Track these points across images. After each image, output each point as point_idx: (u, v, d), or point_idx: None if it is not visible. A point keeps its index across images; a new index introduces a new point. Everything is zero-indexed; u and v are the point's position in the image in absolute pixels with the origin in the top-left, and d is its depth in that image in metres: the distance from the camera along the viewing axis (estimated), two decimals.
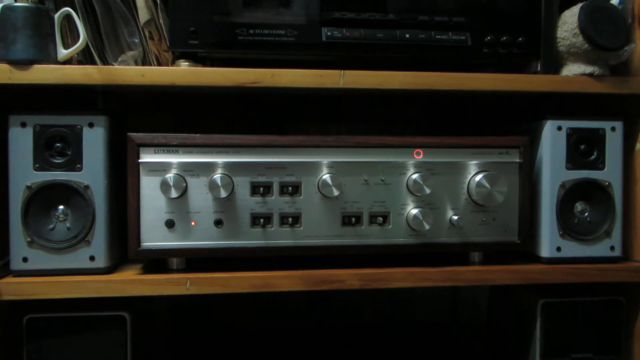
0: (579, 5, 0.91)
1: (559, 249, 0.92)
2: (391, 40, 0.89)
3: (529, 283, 0.91)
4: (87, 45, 0.89)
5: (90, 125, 0.84)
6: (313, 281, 0.86)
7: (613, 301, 0.97)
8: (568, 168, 0.92)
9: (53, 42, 0.84)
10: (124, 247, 0.85)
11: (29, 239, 0.83)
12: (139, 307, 0.93)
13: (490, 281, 0.90)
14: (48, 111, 0.83)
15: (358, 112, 1.24)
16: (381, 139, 0.88)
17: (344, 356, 1.10)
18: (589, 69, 0.92)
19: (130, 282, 0.83)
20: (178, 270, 0.87)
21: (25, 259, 0.83)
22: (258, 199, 0.86)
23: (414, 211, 0.87)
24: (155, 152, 0.84)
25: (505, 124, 1.06)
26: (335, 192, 0.85)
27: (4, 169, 0.83)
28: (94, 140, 0.84)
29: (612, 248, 0.94)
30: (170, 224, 0.84)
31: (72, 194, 0.84)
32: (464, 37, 0.91)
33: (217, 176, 0.83)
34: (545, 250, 0.92)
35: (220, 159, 0.85)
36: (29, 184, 0.82)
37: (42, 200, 0.83)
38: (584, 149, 0.93)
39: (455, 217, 0.89)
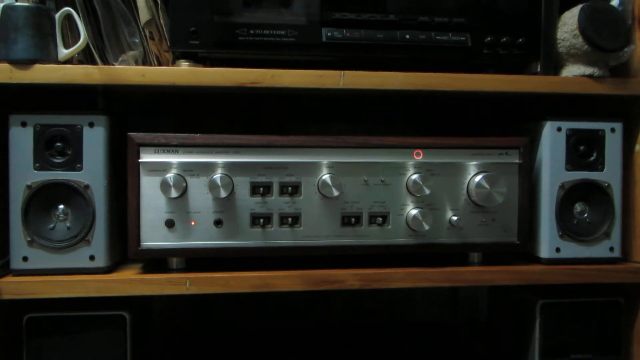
0: (579, 6, 0.91)
1: (558, 249, 0.92)
2: (391, 40, 0.89)
3: (529, 284, 0.91)
4: (87, 45, 0.89)
5: (91, 125, 0.84)
6: (313, 281, 0.86)
7: (612, 302, 0.97)
8: (567, 169, 0.93)
9: (54, 41, 0.84)
10: (124, 247, 0.85)
11: (29, 239, 0.83)
12: (139, 306, 0.93)
13: (489, 282, 0.90)
14: (48, 111, 0.84)
15: (358, 112, 1.25)
16: (381, 140, 0.88)
17: (343, 356, 1.10)
18: (588, 70, 0.92)
19: (130, 281, 0.83)
20: (178, 270, 0.87)
21: (25, 259, 0.83)
22: (258, 199, 0.86)
23: (414, 212, 0.87)
24: (155, 152, 0.84)
25: (505, 124, 1.07)
26: (335, 193, 0.85)
27: (4, 168, 0.83)
28: (94, 140, 0.84)
29: (612, 249, 0.94)
30: (170, 224, 0.84)
31: (72, 194, 0.84)
32: (464, 38, 0.91)
33: (217, 176, 0.83)
34: (545, 251, 0.93)
35: (220, 159, 0.85)
36: (29, 184, 0.83)
37: (42, 199, 0.83)
38: (583, 150, 0.93)
39: (455, 218, 0.89)
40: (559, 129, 0.92)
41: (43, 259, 0.83)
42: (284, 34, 0.87)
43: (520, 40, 0.92)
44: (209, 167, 0.85)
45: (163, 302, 1.21)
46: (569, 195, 0.93)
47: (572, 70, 0.93)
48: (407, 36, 0.89)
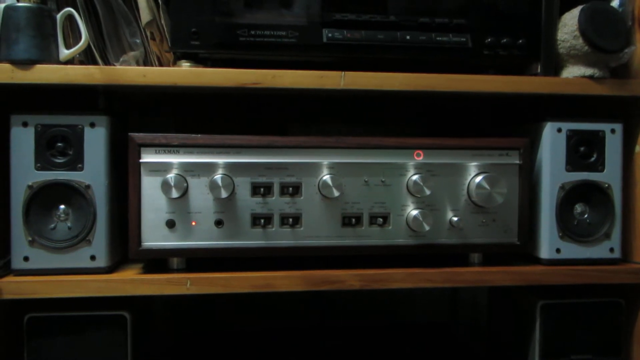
0: (579, 7, 0.91)
1: (558, 250, 0.93)
2: (392, 41, 0.89)
3: (529, 284, 0.91)
4: (88, 45, 0.89)
5: (92, 125, 0.84)
6: (313, 281, 0.86)
7: (612, 303, 0.97)
8: (568, 170, 0.93)
9: (55, 42, 0.84)
10: (125, 247, 0.85)
11: (30, 238, 0.83)
12: (140, 306, 0.93)
13: (490, 282, 0.90)
14: (50, 111, 0.84)
15: (358, 113, 1.25)
16: (381, 140, 0.88)
17: (343, 357, 1.10)
18: (589, 71, 0.92)
19: (131, 281, 0.83)
20: (178, 270, 0.87)
21: (26, 258, 0.83)
22: (259, 199, 0.86)
23: (414, 212, 0.87)
24: (156, 152, 0.84)
25: (505, 125, 1.07)
26: (336, 193, 0.85)
27: (6, 168, 0.84)
28: (95, 140, 0.84)
29: (612, 250, 0.94)
30: (170, 224, 0.84)
31: (73, 194, 0.84)
32: (464, 39, 0.91)
33: (218, 176, 0.83)
34: (545, 251, 0.93)
35: (221, 160, 0.85)
36: (30, 184, 0.83)
37: (44, 199, 0.83)
38: (583, 151, 0.93)
39: (455, 219, 0.89)
40: (559, 130, 0.93)
41: (44, 258, 0.83)
42: (284, 34, 0.87)
43: (520, 41, 0.92)
44: (210, 168, 0.85)
45: (164, 302, 1.21)
46: (569, 196, 0.93)
47: (573, 71, 0.93)
48: (408, 37, 0.90)
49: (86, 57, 0.93)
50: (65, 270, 0.83)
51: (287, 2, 0.88)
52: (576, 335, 0.96)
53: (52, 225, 0.84)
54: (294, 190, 0.86)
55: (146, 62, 0.94)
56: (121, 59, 0.91)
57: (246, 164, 0.86)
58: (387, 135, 0.89)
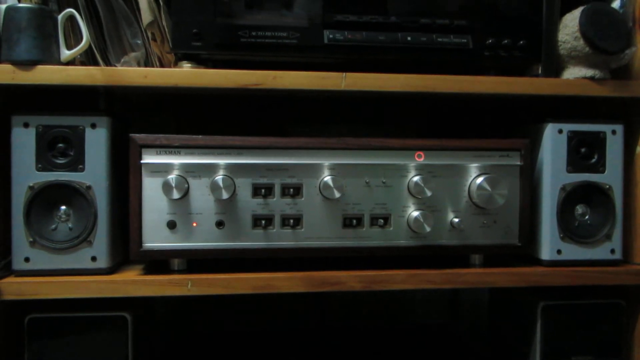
0: (580, 8, 0.91)
1: (559, 251, 0.93)
2: (393, 42, 0.89)
3: (530, 285, 0.91)
4: (90, 46, 0.89)
5: (93, 126, 0.84)
6: (314, 283, 0.86)
7: (613, 304, 0.97)
8: (569, 171, 0.93)
9: (56, 43, 0.85)
10: (126, 248, 0.85)
11: (31, 239, 0.83)
12: (140, 307, 0.93)
13: (491, 284, 0.90)
14: (51, 112, 0.84)
15: (359, 114, 1.25)
16: (382, 141, 0.88)
17: (344, 357, 1.10)
18: (589, 72, 0.92)
19: (132, 282, 0.83)
20: (179, 271, 0.87)
21: (27, 259, 0.83)
22: (259, 200, 0.86)
23: (415, 213, 0.87)
24: (157, 153, 0.84)
25: (507, 126, 1.07)
26: (337, 194, 0.85)
27: (7, 169, 0.84)
28: (96, 141, 0.84)
29: (613, 251, 0.94)
30: (171, 225, 0.84)
31: (74, 195, 0.84)
32: (465, 40, 0.91)
33: (219, 177, 0.83)
34: (546, 252, 0.93)
35: (222, 161, 0.85)
36: (31, 184, 0.83)
37: (45, 200, 0.83)
38: (584, 152, 0.93)
39: (456, 220, 0.89)
40: (560, 131, 0.93)
41: (45, 259, 0.83)
42: (286, 35, 0.87)
43: (521, 42, 0.92)
44: (211, 169, 0.85)
45: (164, 303, 1.21)
46: (570, 197, 0.93)
47: (573, 73, 0.93)
48: (409, 38, 0.90)
49: (87, 58, 0.93)
50: (66, 271, 0.83)
51: (289, 3, 0.88)
52: (577, 337, 0.96)
53: (53, 226, 0.84)
54: (295, 191, 0.86)
55: (147, 63, 0.94)
56: (122, 60, 0.91)
57: (247, 165, 0.86)
58: (387, 136, 0.89)
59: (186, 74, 0.85)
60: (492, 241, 0.91)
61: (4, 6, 0.83)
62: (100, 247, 0.84)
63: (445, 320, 1.33)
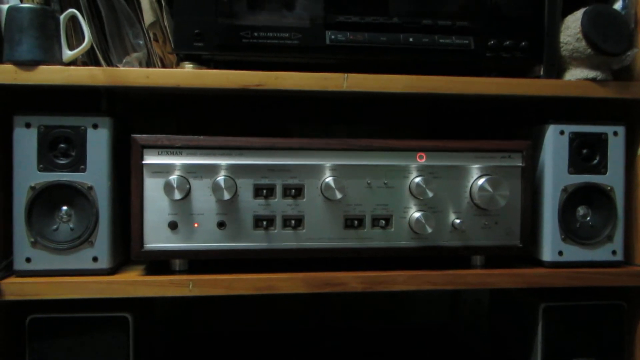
0: (582, 10, 0.91)
1: (560, 253, 0.92)
2: (395, 43, 0.89)
3: (531, 287, 0.91)
4: (91, 46, 0.89)
5: (95, 126, 0.84)
6: (315, 284, 0.86)
7: (615, 305, 0.97)
8: (570, 172, 0.93)
9: (58, 43, 0.84)
10: (127, 248, 0.85)
11: (33, 240, 0.83)
12: (142, 308, 0.93)
13: (492, 285, 0.90)
14: (52, 112, 0.84)
15: (361, 115, 1.25)
16: (384, 142, 0.88)
17: (344, 358, 1.10)
18: (591, 73, 0.92)
19: (133, 283, 0.83)
20: (181, 272, 0.87)
21: (28, 260, 0.83)
22: (261, 201, 0.86)
23: (417, 214, 0.87)
24: (159, 154, 0.84)
25: (508, 127, 1.07)
26: (338, 195, 0.85)
27: (8, 169, 0.84)
28: (98, 141, 0.84)
29: (614, 252, 0.94)
30: (173, 226, 0.84)
31: (76, 195, 0.84)
32: (467, 41, 0.91)
33: (221, 178, 0.83)
34: (547, 254, 0.93)
35: (223, 161, 0.85)
36: (32, 185, 0.83)
37: (46, 200, 0.83)
38: (586, 154, 0.93)
39: (458, 221, 0.89)
40: (562, 132, 0.93)
41: (46, 260, 0.83)
42: (287, 36, 0.87)
43: (523, 43, 0.92)
44: (213, 169, 0.85)
45: (165, 303, 1.21)
46: (571, 199, 0.93)
47: (575, 74, 0.93)
48: (411, 39, 0.90)
49: (89, 58, 0.93)
50: (67, 272, 0.83)
51: (290, 4, 0.88)
52: (578, 338, 0.96)
53: (55, 227, 0.84)
54: (296, 192, 0.86)
55: (149, 64, 0.94)
56: (124, 60, 0.91)
57: (249, 166, 0.86)
58: (389, 137, 0.89)
59: (188, 75, 0.85)
60: (493, 242, 0.91)
61: (6, 6, 0.83)
62: (101, 247, 0.84)
63: (446, 320, 1.33)
